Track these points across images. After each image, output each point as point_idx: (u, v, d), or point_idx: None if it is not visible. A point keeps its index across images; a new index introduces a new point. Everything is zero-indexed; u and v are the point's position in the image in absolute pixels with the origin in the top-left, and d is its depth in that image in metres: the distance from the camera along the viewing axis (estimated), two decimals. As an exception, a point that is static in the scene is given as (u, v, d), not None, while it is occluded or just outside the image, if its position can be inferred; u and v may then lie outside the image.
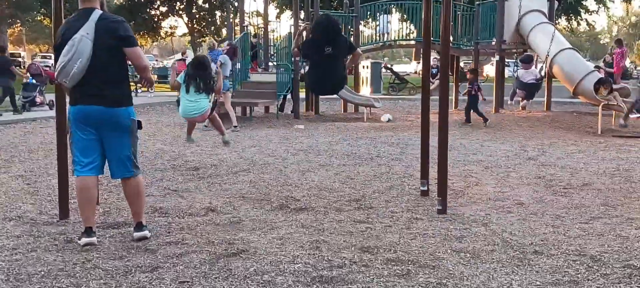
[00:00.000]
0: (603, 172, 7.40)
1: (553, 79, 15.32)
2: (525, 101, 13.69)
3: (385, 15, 17.92)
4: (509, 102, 14.13)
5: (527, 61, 13.36)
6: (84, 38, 4.20)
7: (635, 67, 47.20)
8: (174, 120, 13.13)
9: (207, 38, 35.70)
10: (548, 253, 4.22)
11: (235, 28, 17.50)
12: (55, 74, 4.33)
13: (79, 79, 4.24)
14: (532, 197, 6.04)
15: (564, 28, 33.84)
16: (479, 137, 10.69)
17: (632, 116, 11.83)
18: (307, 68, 7.26)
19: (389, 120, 13.48)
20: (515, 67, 14.98)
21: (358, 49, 7.39)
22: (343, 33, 7.76)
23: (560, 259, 4.09)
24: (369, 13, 18.97)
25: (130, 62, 4.48)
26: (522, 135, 11.07)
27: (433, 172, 5.86)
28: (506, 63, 25.69)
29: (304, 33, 7.62)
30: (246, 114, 14.48)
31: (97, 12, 4.33)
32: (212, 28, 43.88)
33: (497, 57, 15.64)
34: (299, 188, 6.43)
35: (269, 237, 4.61)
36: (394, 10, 26.28)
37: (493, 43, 15.46)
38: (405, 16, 20.82)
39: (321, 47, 6.20)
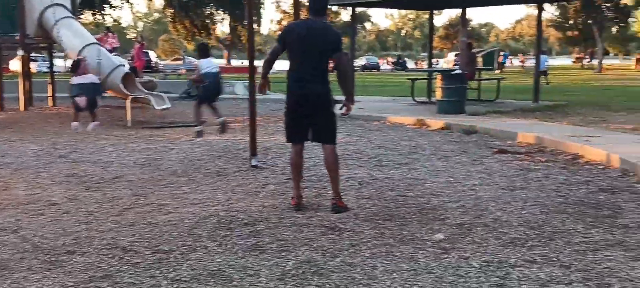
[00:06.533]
0: (134, 163, 7.72)
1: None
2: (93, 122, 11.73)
3: None
4: (73, 126, 12.02)
5: (78, 66, 12.52)
6: None
7: (161, 61, 50.72)
8: None
9: None
10: (80, 251, 4.19)
11: None
12: None
13: None
14: (65, 196, 5.91)
15: (90, 23, 34.04)
16: (6, 137, 9.95)
17: (158, 108, 12.62)
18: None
19: None
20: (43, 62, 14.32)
21: None
22: None
23: (92, 255, 4.11)
24: None
25: None
26: (53, 132, 10.72)
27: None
28: (33, 57, 24.27)
29: None
30: None
31: None
32: None
33: (21, 52, 14.75)
34: None
35: None
36: None
37: (17, 37, 14.50)
38: None
39: None
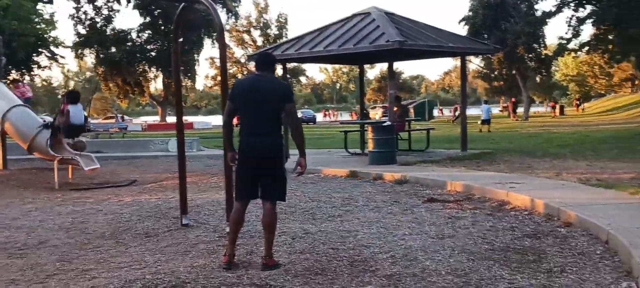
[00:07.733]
0: (59, 227, 7.47)
1: (7, 137, 14.72)
2: None
3: None
4: None
5: None
6: None
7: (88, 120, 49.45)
8: None
9: None
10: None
11: None
12: None
13: None
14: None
15: (13, 84, 33.10)
16: None
17: (87, 169, 12.30)
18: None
19: None
20: None
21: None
22: None
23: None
24: None
25: None
26: (-26, 198, 10.27)
27: None
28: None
29: None
30: None
31: None
32: None
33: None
34: None
35: None
36: None
37: None
38: None
39: None
